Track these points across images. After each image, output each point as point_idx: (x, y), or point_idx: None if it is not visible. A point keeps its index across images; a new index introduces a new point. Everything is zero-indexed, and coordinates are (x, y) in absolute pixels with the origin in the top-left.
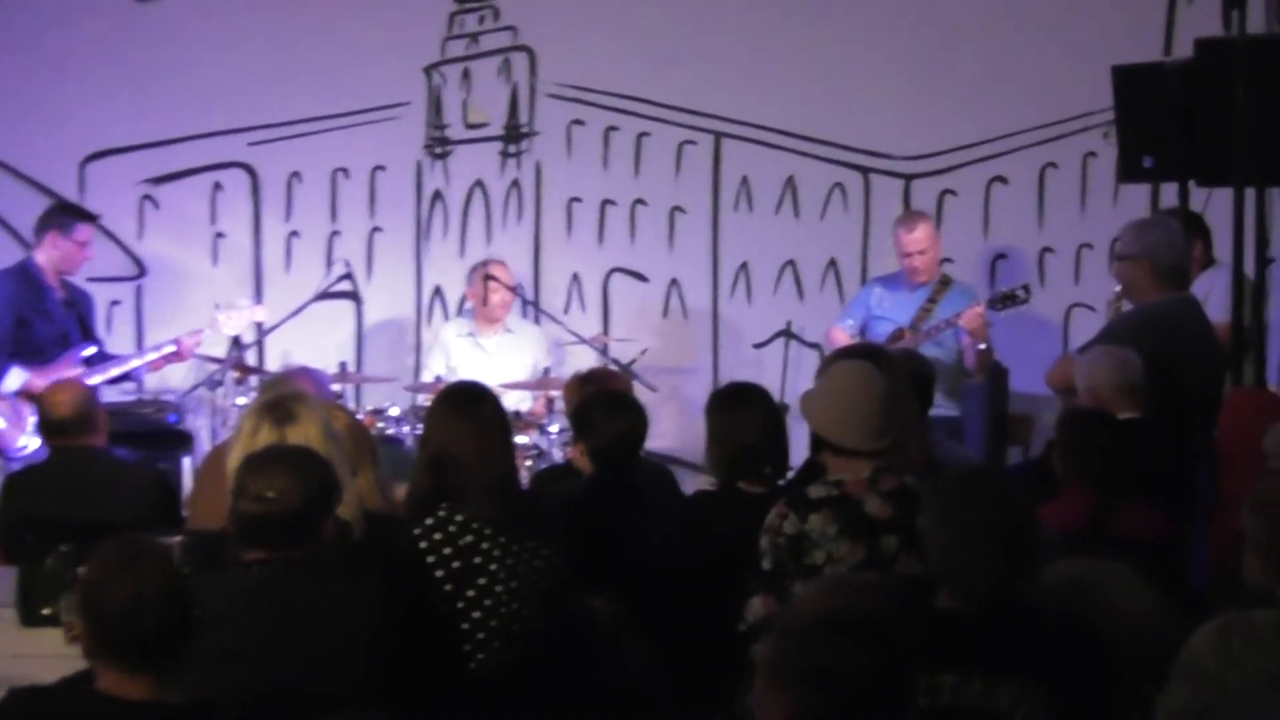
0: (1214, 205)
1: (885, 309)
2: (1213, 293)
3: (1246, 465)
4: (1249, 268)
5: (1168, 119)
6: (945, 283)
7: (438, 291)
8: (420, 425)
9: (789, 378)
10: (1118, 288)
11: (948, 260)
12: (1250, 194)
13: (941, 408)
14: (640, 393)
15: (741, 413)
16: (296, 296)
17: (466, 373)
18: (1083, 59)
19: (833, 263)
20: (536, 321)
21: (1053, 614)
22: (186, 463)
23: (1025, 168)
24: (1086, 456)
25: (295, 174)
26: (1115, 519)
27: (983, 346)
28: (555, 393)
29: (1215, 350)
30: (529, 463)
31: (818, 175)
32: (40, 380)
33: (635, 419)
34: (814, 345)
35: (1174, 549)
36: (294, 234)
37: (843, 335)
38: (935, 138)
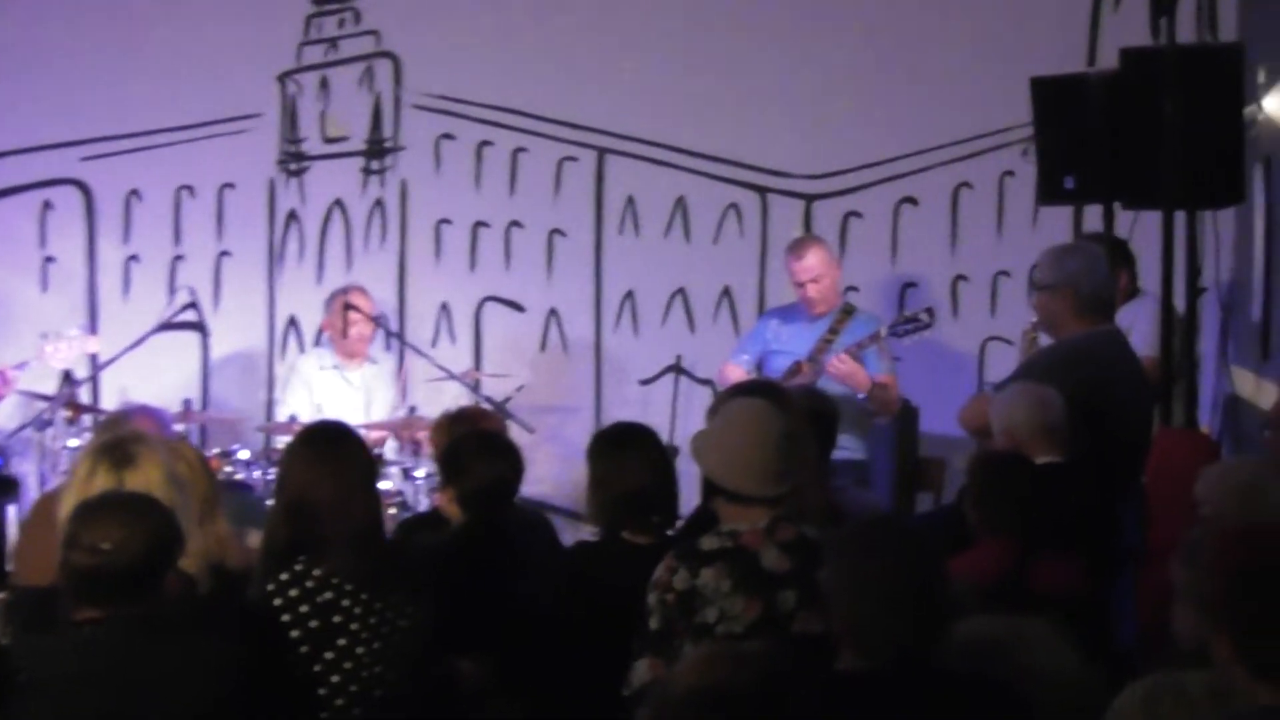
0: (1141, 229)
1: (783, 342)
2: (1137, 325)
3: (1176, 513)
4: (1178, 298)
5: (1091, 135)
6: (848, 311)
7: (292, 322)
8: (274, 469)
9: (679, 417)
10: (1035, 319)
11: (852, 289)
12: (1180, 217)
13: (845, 450)
14: (515, 434)
15: (626, 456)
16: (135, 327)
17: (334, 409)
18: (1000, 70)
19: (727, 291)
20: (400, 356)
21: (966, 676)
22: (11, 511)
23: (937, 188)
24: (1003, 504)
25: (134, 192)
26: (1034, 572)
27: (862, 396)
28: (422, 434)
29: (1142, 388)
30: (392, 510)
31: (711, 195)
32: None
33: (510, 462)
34: (706, 382)
35: (1098, 604)
36: (133, 258)
37: (738, 371)
38: (839, 155)
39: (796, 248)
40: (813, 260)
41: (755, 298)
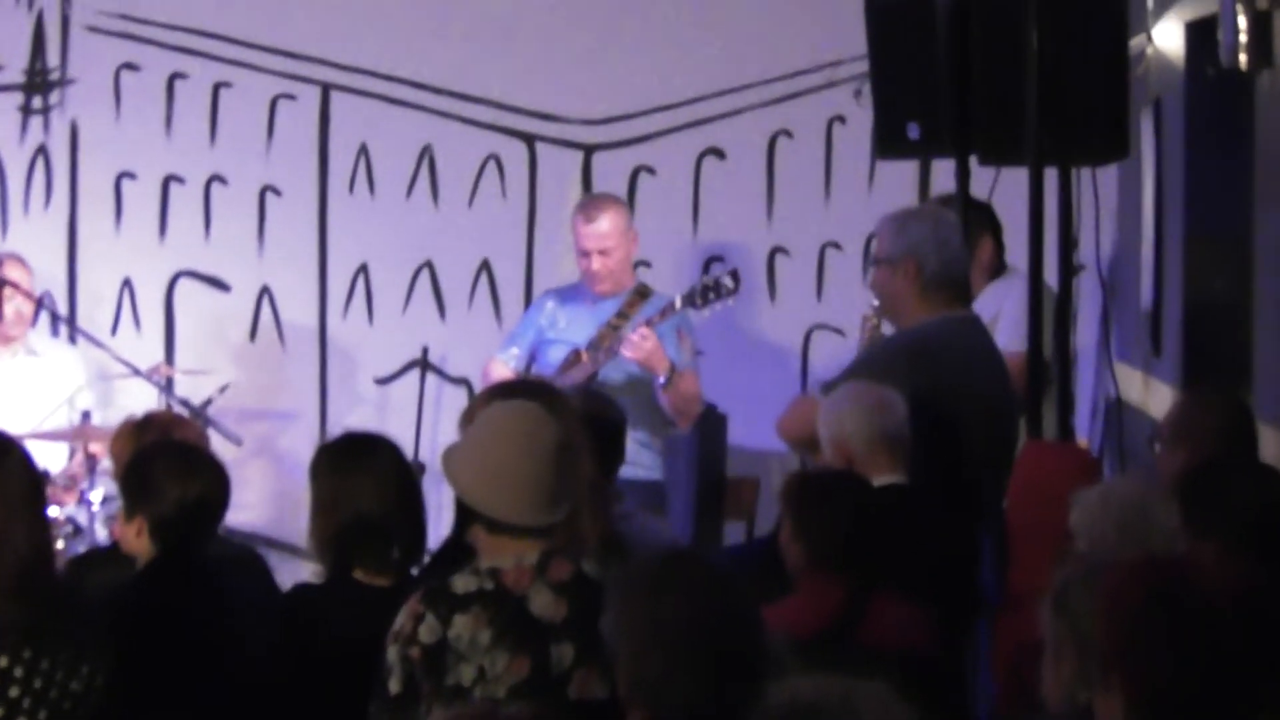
0: (1002, 191)
1: (561, 329)
2: (1005, 310)
3: (1044, 546)
4: (1049, 277)
5: (940, 74)
6: (642, 293)
7: None
8: None
9: (426, 425)
10: (875, 303)
11: (642, 264)
12: (1050, 176)
13: (635, 466)
14: (218, 445)
15: (359, 474)
16: None
17: None
18: None
19: (485, 266)
20: (72, 342)
21: None
22: None
23: (749, 138)
24: (829, 535)
25: None
26: (869, 620)
27: (663, 380)
28: (99, 445)
29: (1005, 390)
30: (61, 544)
31: (465, 144)
32: None
33: (211, 482)
34: (461, 381)
35: (947, 658)
36: None
37: (504, 369)
38: (626, 95)
39: (589, 208)
40: (607, 225)
41: (521, 274)
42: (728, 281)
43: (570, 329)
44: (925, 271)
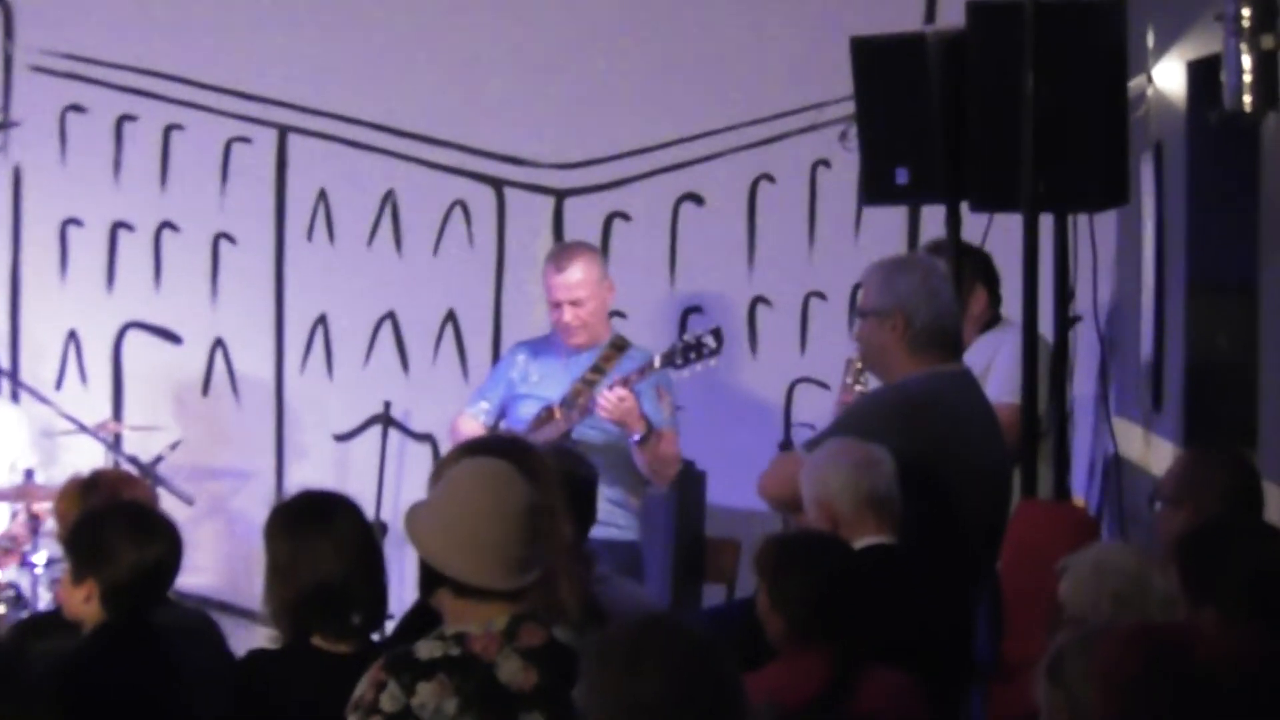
0: (996, 239)
1: (533, 384)
2: (997, 363)
3: (1040, 612)
4: (1045, 327)
5: (930, 114)
6: (618, 346)
7: None
8: None
9: (389, 484)
10: (857, 355)
11: (617, 315)
12: (1046, 223)
13: (610, 527)
14: (169, 505)
15: (317, 536)
16: None
17: None
18: (812, 29)
19: (451, 317)
20: (15, 399)
21: None
22: None
23: (729, 182)
24: (809, 606)
25: None
26: (856, 691)
27: (637, 438)
28: (42, 506)
29: (998, 447)
30: (2, 609)
31: (429, 189)
32: None
33: (164, 544)
34: (424, 437)
35: None
36: None
37: (473, 424)
38: (599, 138)
39: (560, 257)
40: (579, 274)
41: (489, 326)
42: (710, 341)
43: (543, 384)
44: (914, 325)
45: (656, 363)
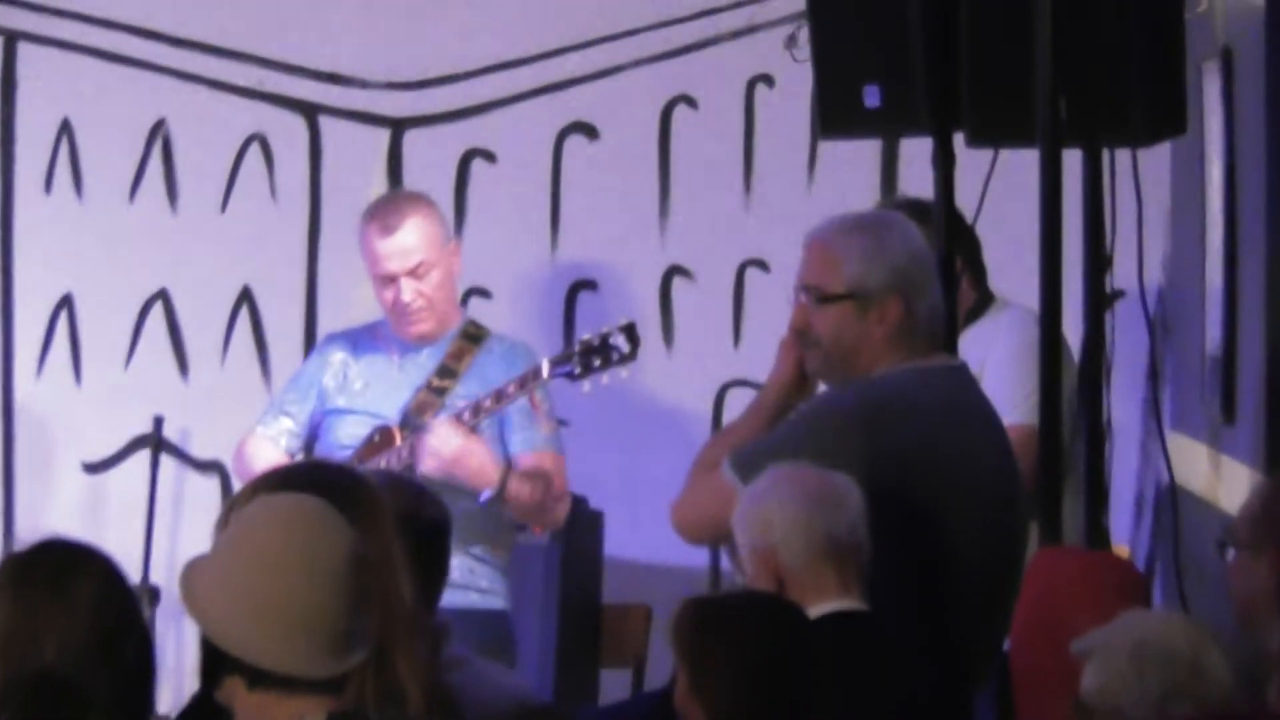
0: (1003, 182)
1: (357, 393)
2: (989, 366)
3: (1063, 705)
4: (1072, 311)
5: (912, 14)
6: (473, 337)
7: None
8: None
9: (160, 532)
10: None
11: (479, 293)
12: (1073, 161)
13: (470, 591)
14: None
15: (48, 603)
16: None
17: None
18: None
19: (247, 296)
20: None
21: None
22: None
23: (631, 109)
24: (741, 695)
25: None
26: None
27: (487, 494)
28: None
29: (1008, 472)
30: None
31: (215, 119)
32: None
33: None
34: (211, 466)
35: None
36: None
37: (270, 449)
38: (451, 47)
39: (384, 213)
40: (415, 236)
41: (299, 310)
42: (621, 343)
43: (371, 392)
44: (917, 312)
45: (545, 370)
